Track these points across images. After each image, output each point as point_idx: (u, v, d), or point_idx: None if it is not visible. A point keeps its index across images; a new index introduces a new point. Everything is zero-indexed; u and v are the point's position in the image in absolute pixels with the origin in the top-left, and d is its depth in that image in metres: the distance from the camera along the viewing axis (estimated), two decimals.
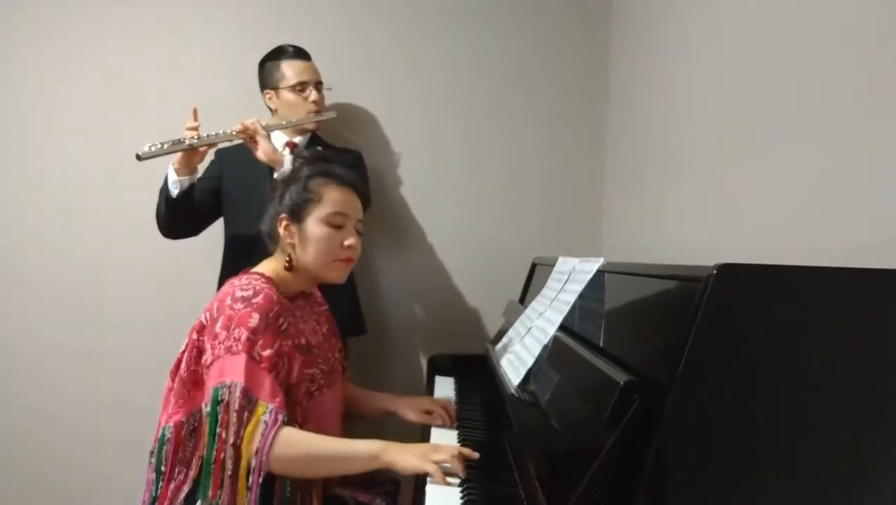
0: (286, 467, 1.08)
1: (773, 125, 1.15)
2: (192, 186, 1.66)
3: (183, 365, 1.16)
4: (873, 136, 0.90)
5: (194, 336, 1.16)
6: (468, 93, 2.21)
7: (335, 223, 1.24)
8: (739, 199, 1.28)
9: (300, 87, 1.83)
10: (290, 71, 1.83)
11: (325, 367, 1.27)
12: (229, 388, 1.06)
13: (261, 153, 1.61)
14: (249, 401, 1.06)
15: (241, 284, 1.16)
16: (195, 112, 1.61)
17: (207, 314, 1.15)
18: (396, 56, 2.19)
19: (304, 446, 1.08)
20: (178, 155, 1.58)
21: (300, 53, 1.87)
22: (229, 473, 1.04)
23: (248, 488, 1.04)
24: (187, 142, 1.55)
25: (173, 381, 1.18)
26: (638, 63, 1.95)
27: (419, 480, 1.10)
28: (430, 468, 1.06)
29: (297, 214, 1.23)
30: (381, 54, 2.18)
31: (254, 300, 1.12)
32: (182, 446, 1.14)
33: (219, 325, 1.11)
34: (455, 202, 2.23)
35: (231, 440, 1.04)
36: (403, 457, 1.08)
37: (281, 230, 1.23)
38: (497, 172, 2.23)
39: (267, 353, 1.10)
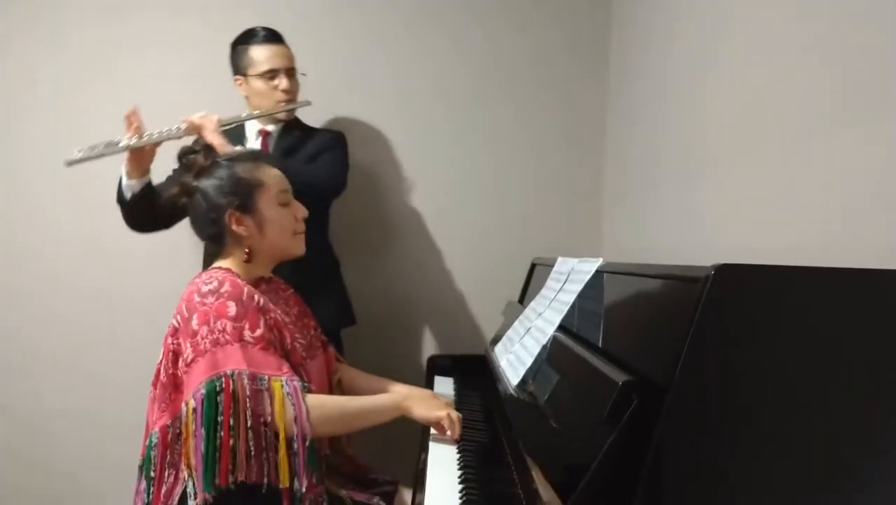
0: (326, 428, 1.15)
1: (771, 128, 1.15)
2: (146, 187, 1.58)
3: (161, 371, 1.16)
4: (871, 137, 0.90)
5: (169, 341, 1.15)
6: (469, 95, 2.21)
7: (284, 200, 1.27)
8: (739, 201, 1.28)
9: (270, 75, 1.73)
10: (259, 56, 1.73)
11: (303, 341, 1.27)
12: (231, 376, 1.06)
13: (212, 140, 1.55)
14: (261, 382, 1.08)
15: (203, 280, 1.16)
16: (132, 115, 1.49)
17: (178, 317, 1.14)
18: (399, 54, 2.19)
19: (337, 406, 1.18)
20: (126, 156, 1.50)
21: (270, 37, 1.75)
22: (252, 453, 1.05)
23: (294, 454, 1.08)
24: (123, 143, 1.43)
25: (155, 389, 1.17)
26: (638, 66, 1.95)
27: (417, 473, 1.12)
28: (443, 419, 1.23)
29: (246, 206, 1.22)
30: (384, 51, 2.18)
31: (222, 290, 1.13)
32: (170, 449, 1.13)
33: (195, 322, 1.10)
34: (454, 204, 2.23)
35: (249, 423, 1.06)
36: (419, 405, 1.24)
37: (234, 227, 1.22)
38: (498, 174, 2.23)
39: (258, 333, 1.12)
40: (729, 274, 0.68)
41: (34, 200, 2.16)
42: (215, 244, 1.27)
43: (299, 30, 2.08)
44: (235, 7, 2.14)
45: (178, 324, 1.14)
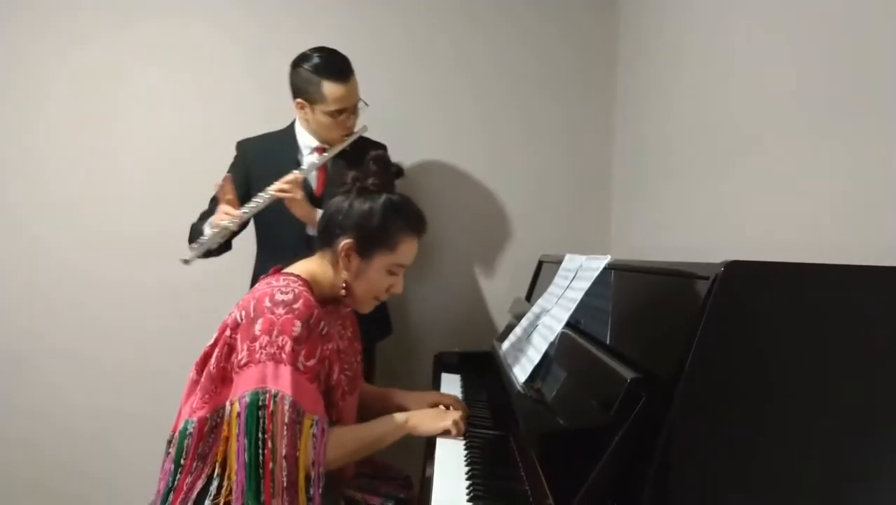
0: (337, 463, 1.16)
1: (780, 123, 1.15)
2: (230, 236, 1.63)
3: (213, 361, 1.14)
4: (881, 134, 0.89)
5: (227, 333, 1.14)
6: (480, 93, 2.21)
7: (395, 272, 1.26)
8: (747, 198, 1.27)
9: (339, 113, 1.71)
10: (332, 95, 1.68)
11: (349, 372, 1.28)
12: (275, 397, 1.05)
13: (297, 212, 1.61)
14: (298, 414, 1.06)
15: (280, 286, 1.13)
16: (226, 185, 1.54)
17: (242, 312, 1.13)
18: (409, 54, 2.20)
19: (348, 442, 1.19)
20: (220, 213, 1.55)
21: (343, 73, 1.70)
22: (284, 484, 1.04)
23: (310, 499, 1.06)
24: (230, 226, 1.51)
25: (199, 374, 1.16)
26: (645, 62, 1.94)
27: (425, 469, 1.13)
28: (447, 425, 1.25)
29: (365, 250, 1.21)
30: (393, 50, 2.19)
31: (294, 306, 1.10)
32: (203, 441, 1.13)
33: (258, 327, 1.09)
34: (462, 201, 2.23)
35: (284, 452, 1.05)
36: (422, 421, 1.26)
37: (341, 253, 1.21)
38: (505, 171, 2.23)
39: (310, 363, 1.10)
40: (738, 271, 0.68)
41: (49, 198, 2.18)
42: (319, 244, 1.26)
43: (297, 30, 2.10)
44: (244, 11, 2.17)
45: (241, 320, 1.12)
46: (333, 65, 1.69)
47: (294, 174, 1.61)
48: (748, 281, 0.69)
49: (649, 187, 1.87)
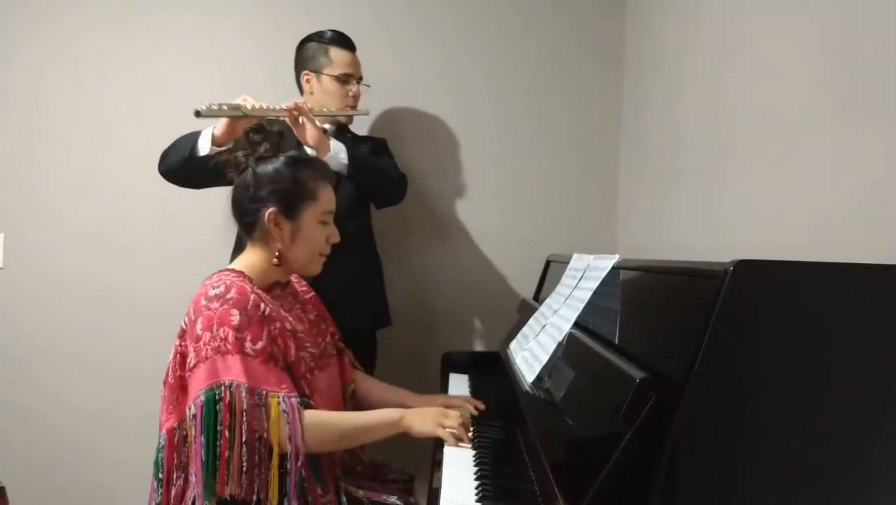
0: (323, 446, 1.15)
1: (787, 122, 1.14)
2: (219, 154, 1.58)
3: (170, 372, 1.16)
4: (889, 132, 0.89)
5: (177, 342, 1.15)
6: (487, 91, 2.22)
7: (325, 220, 1.26)
8: (756, 196, 1.27)
9: (344, 79, 1.81)
10: (339, 59, 1.80)
11: (313, 350, 1.25)
12: (230, 388, 1.06)
13: (308, 137, 1.56)
14: (259, 397, 1.07)
15: (211, 283, 1.14)
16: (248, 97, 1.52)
17: (186, 318, 1.14)
18: (409, 54, 2.20)
19: (334, 427, 1.16)
20: (224, 121, 1.50)
21: (349, 43, 1.84)
22: (244, 468, 1.05)
23: (286, 473, 1.07)
24: (245, 107, 1.47)
25: (165, 389, 1.18)
26: (652, 62, 1.94)
27: (433, 469, 1.13)
28: (442, 434, 1.19)
29: (290, 211, 1.21)
30: (403, 48, 2.20)
31: (227, 296, 1.11)
32: (178, 452, 1.14)
33: (199, 326, 1.10)
34: (470, 200, 2.23)
35: (244, 438, 1.05)
36: (418, 422, 1.19)
37: (270, 225, 1.20)
38: (512, 170, 2.23)
39: (259, 345, 1.10)
40: (747, 270, 0.67)
41: (46, 200, 2.18)
42: (245, 232, 1.26)
43: (304, 21, 2.09)
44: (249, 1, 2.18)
45: (185, 326, 1.14)
46: (340, 35, 1.83)
47: (301, 100, 1.61)
48: (757, 280, 0.69)
49: (657, 186, 1.86)
